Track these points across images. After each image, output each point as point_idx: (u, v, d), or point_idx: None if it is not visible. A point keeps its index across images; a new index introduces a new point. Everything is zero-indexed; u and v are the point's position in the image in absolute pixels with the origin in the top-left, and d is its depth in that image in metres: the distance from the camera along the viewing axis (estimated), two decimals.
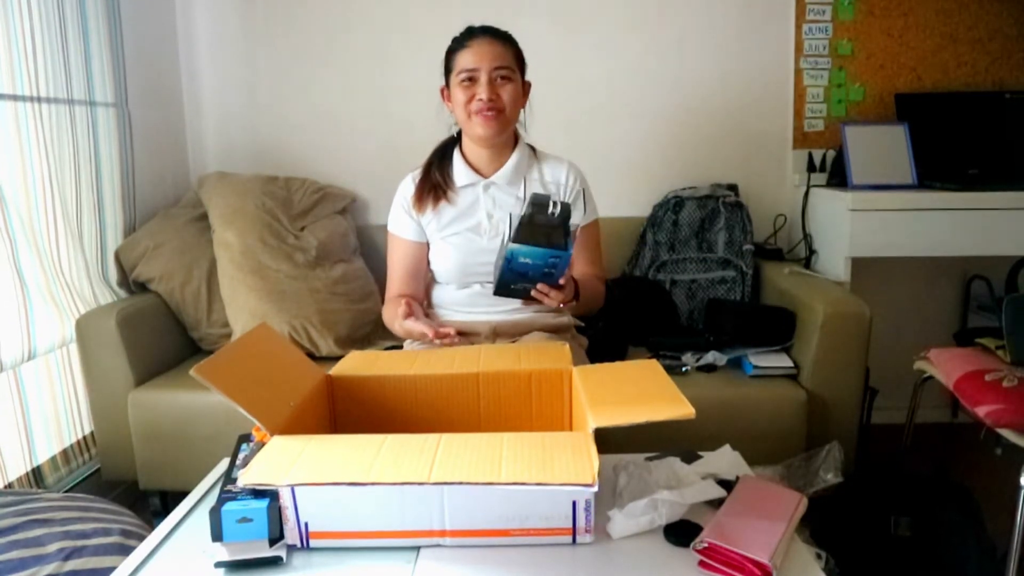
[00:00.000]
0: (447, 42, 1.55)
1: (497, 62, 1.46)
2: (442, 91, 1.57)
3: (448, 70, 1.53)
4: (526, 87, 1.56)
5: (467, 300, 1.57)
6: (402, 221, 1.60)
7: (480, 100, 1.46)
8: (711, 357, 1.98)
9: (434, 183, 1.57)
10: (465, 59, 1.47)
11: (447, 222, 1.57)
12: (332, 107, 2.51)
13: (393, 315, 1.49)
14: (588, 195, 1.61)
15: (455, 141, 1.60)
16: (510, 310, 1.56)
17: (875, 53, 2.44)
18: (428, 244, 1.60)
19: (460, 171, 1.57)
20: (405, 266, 1.60)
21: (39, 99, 1.81)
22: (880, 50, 2.44)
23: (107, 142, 2.07)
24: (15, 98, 1.76)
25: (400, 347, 1.67)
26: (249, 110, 2.52)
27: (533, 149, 1.63)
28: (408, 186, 1.60)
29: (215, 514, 0.84)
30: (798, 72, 2.46)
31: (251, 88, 2.52)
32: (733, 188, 2.43)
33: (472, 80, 1.47)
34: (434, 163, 1.59)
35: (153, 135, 2.31)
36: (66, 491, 1.87)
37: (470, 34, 1.51)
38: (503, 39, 1.51)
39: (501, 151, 1.56)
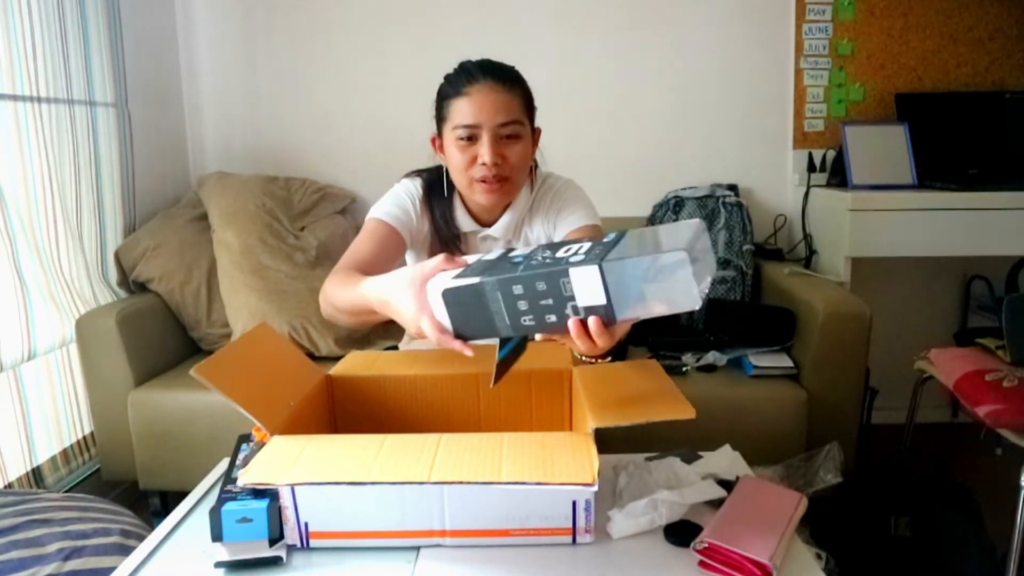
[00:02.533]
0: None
1: (502, 117, 1.20)
2: (433, 140, 1.32)
3: (441, 117, 1.27)
4: (536, 135, 1.31)
5: None
6: (397, 214, 1.33)
7: (483, 165, 1.21)
8: (711, 357, 1.98)
9: (445, 238, 1.36)
10: (463, 111, 1.21)
11: None
12: (332, 107, 2.51)
13: (344, 283, 1.14)
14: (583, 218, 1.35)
15: (448, 185, 1.35)
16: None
17: (875, 53, 2.44)
18: (406, 248, 1.37)
19: (461, 218, 1.36)
20: (383, 250, 1.29)
21: (39, 99, 1.81)
22: (880, 50, 2.44)
23: (107, 142, 2.07)
24: (15, 98, 1.76)
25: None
26: (249, 110, 2.53)
27: (532, 185, 1.38)
28: (415, 191, 1.37)
29: (215, 514, 0.83)
30: (798, 72, 2.46)
31: (251, 88, 2.52)
32: (733, 188, 2.43)
33: (472, 139, 1.22)
34: (435, 213, 1.36)
35: (153, 135, 2.32)
36: (66, 491, 1.87)
37: (468, 77, 1.23)
38: (509, 83, 1.23)
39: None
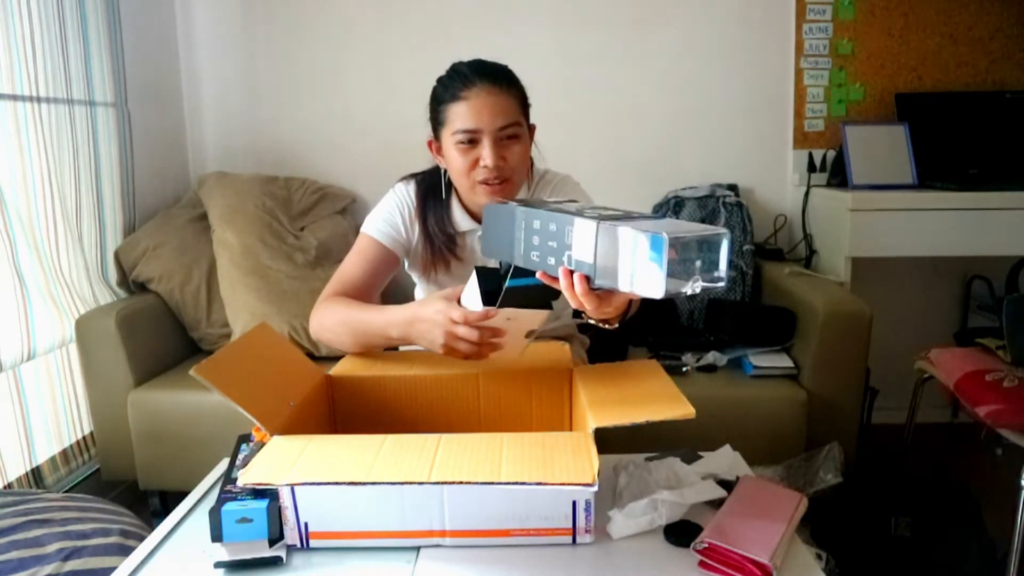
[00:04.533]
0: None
1: (501, 120, 1.21)
2: (430, 144, 1.32)
3: (438, 122, 1.27)
4: (531, 131, 1.32)
5: None
6: (388, 231, 1.35)
7: (485, 167, 1.22)
8: (711, 357, 1.98)
9: (439, 243, 1.34)
10: (462, 116, 1.21)
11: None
12: (332, 107, 2.51)
13: (347, 308, 1.21)
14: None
15: (446, 184, 1.35)
16: None
17: (875, 53, 2.44)
18: (400, 262, 1.39)
19: (459, 218, 1.35)
20: (375, 274, 1.32)
21: (39, 99, 1.81)
22: (880, 50, 2.44)
23: (107, 142, 2.07)
24: (15, 98, 1.76)
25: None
26: (249, 110, 2.52)
27: (529, 181, 1.39)
28: (407, 200, 1.37)
29: (215, 514, 0.83)
30: (798, 72, 2.46)
31: (251, 88, 2.52)
32: (733, 188, 2.43)
33: (473, 142, 1.22)
34: (430, 219, 1.34)
35: (153, 135, 2.32)
36: (66, 491, 1.87)
37: (464, 81, 1.22)
38: (505, 84, 1.23)
39: None
